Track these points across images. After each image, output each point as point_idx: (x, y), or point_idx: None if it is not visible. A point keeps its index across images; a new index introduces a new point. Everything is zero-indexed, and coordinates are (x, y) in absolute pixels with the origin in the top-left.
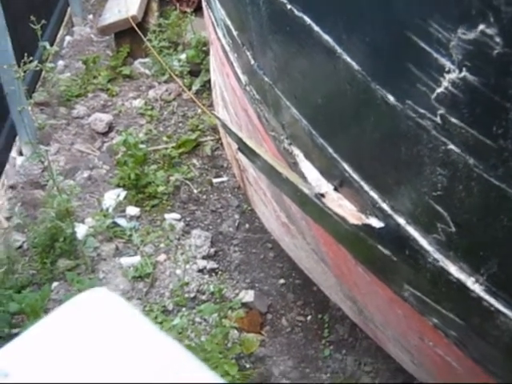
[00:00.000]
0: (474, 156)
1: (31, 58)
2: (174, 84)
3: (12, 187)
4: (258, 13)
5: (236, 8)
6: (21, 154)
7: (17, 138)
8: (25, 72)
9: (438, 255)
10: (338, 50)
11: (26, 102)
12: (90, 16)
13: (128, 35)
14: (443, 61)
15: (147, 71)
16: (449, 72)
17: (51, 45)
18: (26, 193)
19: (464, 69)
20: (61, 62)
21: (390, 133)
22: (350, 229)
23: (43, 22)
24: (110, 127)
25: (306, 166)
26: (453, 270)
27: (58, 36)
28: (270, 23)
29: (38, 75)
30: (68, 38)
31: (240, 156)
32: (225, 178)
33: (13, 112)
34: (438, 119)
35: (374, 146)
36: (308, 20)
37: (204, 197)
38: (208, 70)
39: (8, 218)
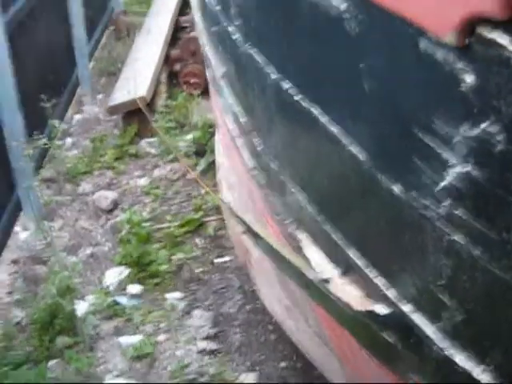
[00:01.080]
0: (478, 247)
1: (40, 136)
2: (179, 164)
3: (14, 262)
4: (266, 102)
5: (245, 96)
6: (25, 228)
7: (21, 213)
8: (33, 149)
9: (443, 344)
10: (344, 140)
11: (32, 178)
12: (100, 96)
13: (136, 115)
14: (447, 155)
15: (153, 151)
16: (452, 166)
17: (60, 123)
18: (27, 268)
19: (467, 164)
20: (69, 140)
21: (395, 222)
22: (354, 314)
23: (54, 101)
24: (115, 205)
25: (311, 251)
26: (459, 359)
27: (68, 114)
28: (277, 112)
29: (45, 151)
30: (77, 116)
31: (244, 238)
32: (227, 258)
33: (19, 187)
34: (443, 211)
35: (380, 233)
36: (315, 111)
37: (206, 277)
38: (213, 151)
39: (9, 293)
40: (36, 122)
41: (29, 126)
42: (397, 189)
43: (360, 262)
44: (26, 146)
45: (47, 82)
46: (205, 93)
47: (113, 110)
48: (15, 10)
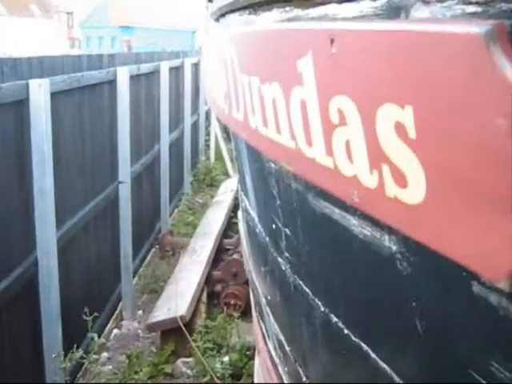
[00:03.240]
0: None
1: (78, 349)
2: None
3: None
4: (312, 333)
5: (290, 325)
6: None
7: None
8: (70, 361)
9: None
10: (396, 378)
11: None
12: (140, 312)
13: (174, 333)
14: None
15: (189, 371)
16: None
17: (99, 336)
18: None
19: None
20: (105, 354)
21: None
22: None
23: (95, 314)
24: None
25: None
26: None
27: (107, 328)
28: (325, 344)
29: (81, 365)
30: (116, 331)
31: None
32: None
33: None
34: None
35: None
36: (365, 346)
37: None
38: (250, 375)
39: None
40: (75, 334)
41: (67, 338)
42: None
43: None
44: (62, 360)
45: (91, 295)
46: (244, 315)
47: (152, 327)
48: (69, 225)
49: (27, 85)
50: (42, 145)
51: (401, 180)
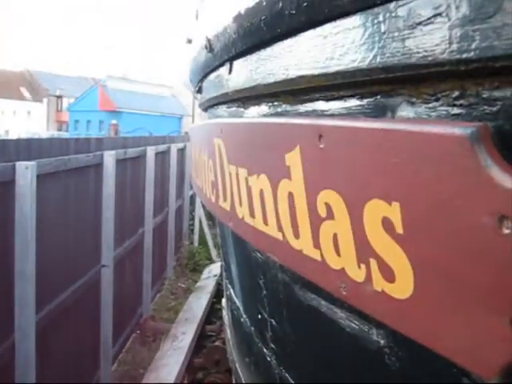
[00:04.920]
0: None
1: None
2: None
3: None
4: None
5: None
6: None
7: None
8: None
9: None
10: None
11: None
12: None
13: None
14: None
15: None
16: None
17: None
18: None
19: None
20: None
21: None
22: None
23: None
24: None
25: None
26: None
27: None
28: None
29: None
30: None
31: None
32: None
33: None
34: None
35: None
36: None
37: None
38: None
39: None
40: None
41: None
42: None
43: None
44: None
45: (68, 383)
46: None
47: None
48: (49, 309)
49: (14, 166)
50: (25, 227)
51: (388, 274)
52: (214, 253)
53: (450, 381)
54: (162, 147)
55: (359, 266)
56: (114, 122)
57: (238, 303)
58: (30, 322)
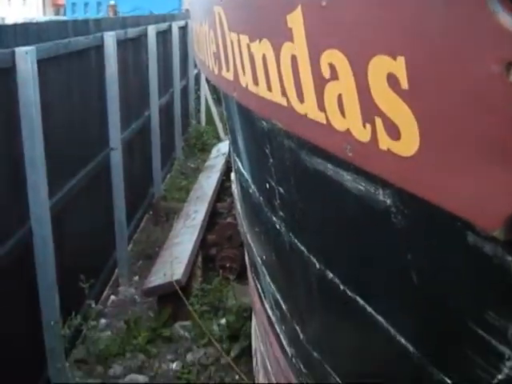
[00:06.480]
0: None
1: (76, 316)
2: (213, 348)
3: None
4: (308, 290)
5: (286, 284)
6: None
7: None
8: (68, 329)
9: None
10: (392, 331)
11: (64, 360)
12: (136, 277)
13: (171, 298)
14: (502, 348)
15: (187, 334)
16: (509, 359)
17: (96, 303)
18: None
19: None
20: (103, 321)
21: None
22: None
23: (91, 281)
24: None
25: None
26: None
27: (104, 294)
28: (321, 301)
29: (79, 332)
30: (113, 297)
31: None
32: None
33: (51, 368)
34: None
35: None
36: (361, 301)
37: None
38: (247, 336)
39: None
40: (72, 302)
41: (65, 306)
42: (450, 381)
43: None
44: (61, 326)
45: (86, 263)
46: (240, 277)
47: (148, 292)
48: (62, 194)
49: (13, 52)
50: (30, 114)
51: (394, 132)
52: (221, 131)
53: (454, 237)
54: (162, 26)
55: (364, 126)
56: (112, 2)
57: (246, 175)
58: (45, 207)
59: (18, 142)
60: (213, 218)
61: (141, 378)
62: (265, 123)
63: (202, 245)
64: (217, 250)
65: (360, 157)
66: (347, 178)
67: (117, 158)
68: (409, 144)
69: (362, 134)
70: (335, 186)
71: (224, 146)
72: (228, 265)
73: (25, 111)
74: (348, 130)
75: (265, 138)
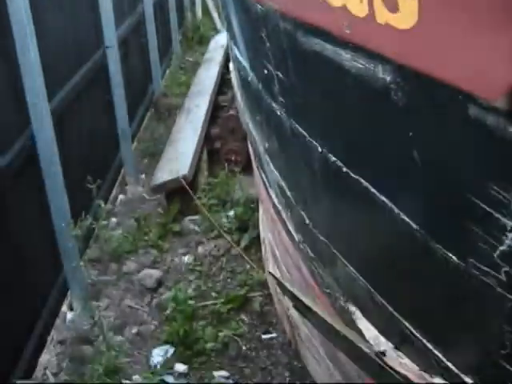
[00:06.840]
0: None
1: (87, 216)
2: (223, 240)
3: (61, 342)
4: (312, 175)
5: (290, 170)
6: (71, 308)
7: (68, 294)
8: (80, 229)
9: None
10: (395, 209)
11: (79, 259)
12: (143, 175)
13: (179, 194)
14: (505, 220)
15: (196, 228)
16: (511, 231)
17: (105, 203)
18: (74, 348)
19: None
20: (113, 220)
21: (453, 290)
22: None
23: (99, 181)
24: (160, 283)
25: (364, 324)
26: None
27: (112, 194)
28: (325, 184)
29: (91, 232)
30: (121, 196)
31: (292, 313)
32: (274, 335)
33: (66, 268)
34: (503, 276)
35: (437, 303)
36: (364, 182)
37: (253, 353)
38: (256, 227)
39: (55, 374)
40: (82, 203)
41: (75, 208)
42: (454, 256)
43: (416, 333)
44: (72, 227)
45: (92, 164)
46: (245, 169)
47: (156, 189)
48: (61, 96)
49: None
50: (21, 19)
51: (391, 5)
52: (218, 22)
53: (456, 110)
54: None
55: (361, 0)
56: None
57: (244, 62)
58: (45, 110)
59: (11, 47)
60: (215, 111)
61: (154, 272)
62: (259, 6)
63: (206, 139)
64: (221, 143)
65: (358, 33)
66: (346, 57)
67: (114, 55)
68: (407, 16)
69: (359, 9)
70: (334, 66)
71: (222, 38)
72: (233, 158)
73: (15, 16)
74: (344, 5)
75: (260, 22)
